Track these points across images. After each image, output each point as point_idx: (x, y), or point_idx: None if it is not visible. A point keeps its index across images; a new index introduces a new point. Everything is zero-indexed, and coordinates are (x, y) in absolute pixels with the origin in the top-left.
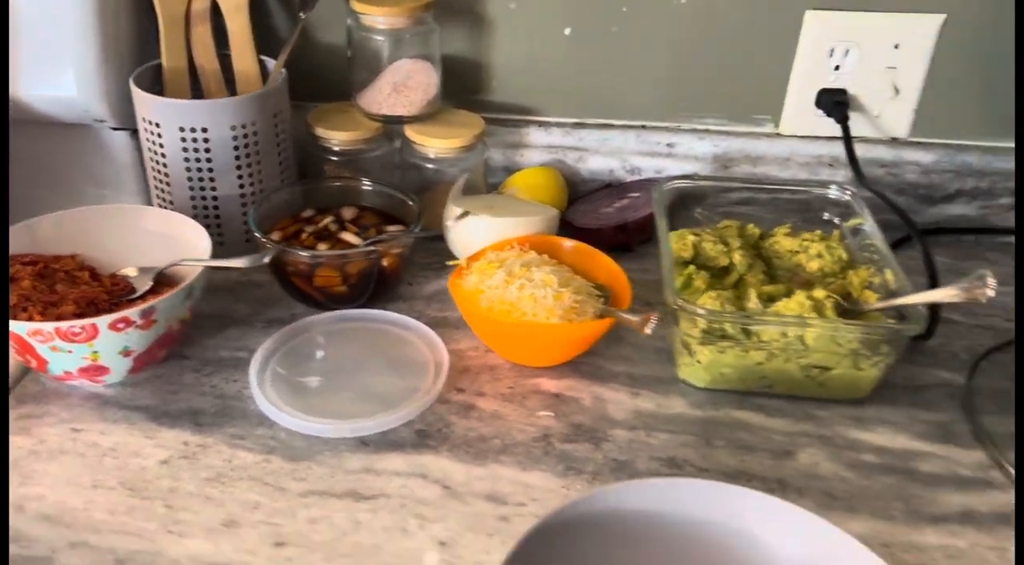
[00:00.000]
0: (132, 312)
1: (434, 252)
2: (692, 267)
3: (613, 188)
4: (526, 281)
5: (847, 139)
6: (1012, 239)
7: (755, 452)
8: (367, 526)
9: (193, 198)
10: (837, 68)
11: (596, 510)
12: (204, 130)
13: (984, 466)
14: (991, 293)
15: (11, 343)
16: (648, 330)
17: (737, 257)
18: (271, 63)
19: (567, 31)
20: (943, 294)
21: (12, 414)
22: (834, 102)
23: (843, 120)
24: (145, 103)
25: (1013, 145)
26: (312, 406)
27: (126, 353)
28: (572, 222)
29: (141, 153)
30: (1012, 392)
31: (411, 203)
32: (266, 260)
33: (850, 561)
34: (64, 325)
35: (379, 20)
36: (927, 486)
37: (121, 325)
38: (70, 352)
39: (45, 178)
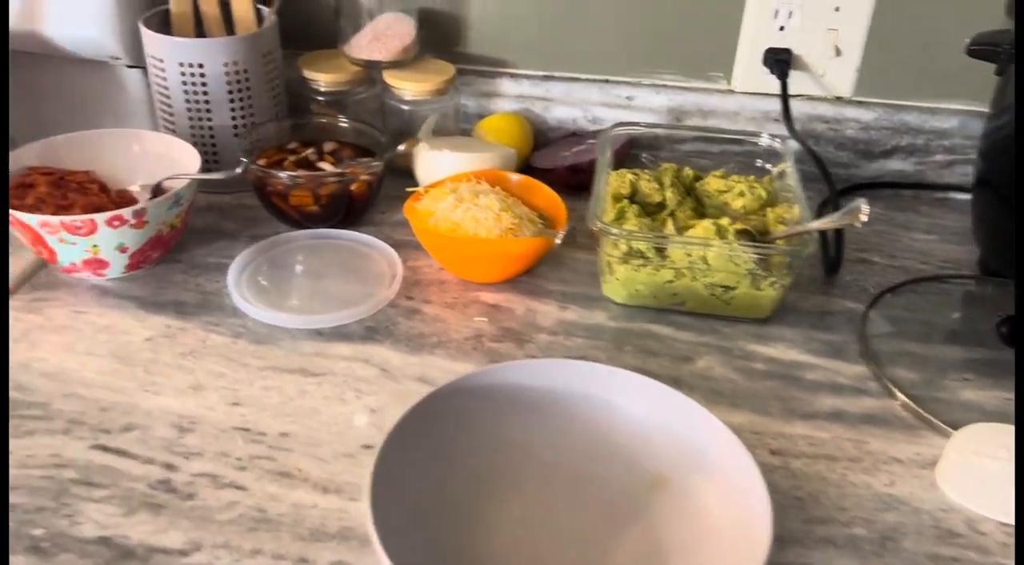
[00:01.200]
0: (126, 211)
1: (405, 187)
2: (626, 201)
3: (575, 135)
4: (471, 205)
5: (784, 95)
6: (945, 195)
7: (658, 356)
8: (311, 395)
9: (192, 128)
10: (782, 29)
11: (488, 383)
12: (200, 66)
13: (863, 378)
14: (864, 218)
15: (25, 235)
16: (557, 240)
17: (668, 194)
18: (266, 11)
19: None
20: (825, 222)
21: (26, 298)
22: (776, 60)
23: (782, 77)
24: (152, 41)
25: (949, 106)
26: (279, 304)
27: (122, 249)
28: (533, 164)
29: (151, 88)
30: (906, 320)
31: (380, 137)
32: (238, 171)
33: (693, 420)
34: (68, 218)
35: None
36: (806, 390)
37: (116, 223)
38: (74, 244)
39: (70, 109)
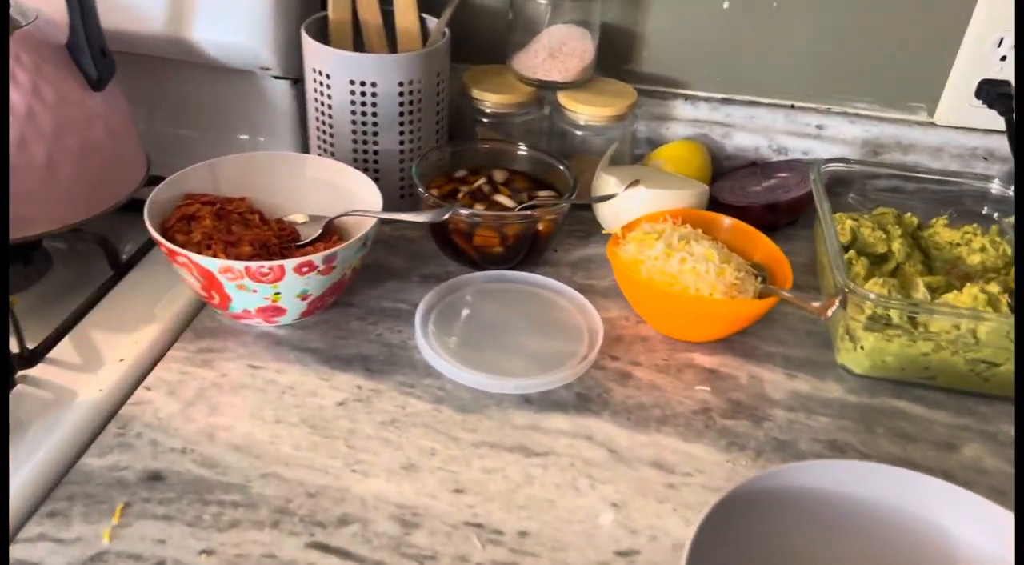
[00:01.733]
0: (316, 257)
1: (577, 220)
2: (852, 252)
3: (758, 166)
4: (687, 255)
5: (1012, 132)
6: None
7: (917, 442)
8: (539, 481)
9: (355, 150)
10: (1003, 59)
11: (778, 486)
12: (373, 84)
13: None
14: None
15: (197, 278)
16: (829, 313)
17: (896, 245)
18: (431, 21)
19: (725, 4)
20: None
21: (191, 347)
22: (997, 94)
23: (1007, 113)
24: (317, 54)
25: None
26: (472, 360)
27: (304, 296)
28: (718, 198)
29: (300, 103)
30: None
31: (563, 170)
32: (445, 217)
33: None
34: (254, 265)
35: None
36: None
37: (305, 269)
38: (255, 291)
39: (200, 120)
